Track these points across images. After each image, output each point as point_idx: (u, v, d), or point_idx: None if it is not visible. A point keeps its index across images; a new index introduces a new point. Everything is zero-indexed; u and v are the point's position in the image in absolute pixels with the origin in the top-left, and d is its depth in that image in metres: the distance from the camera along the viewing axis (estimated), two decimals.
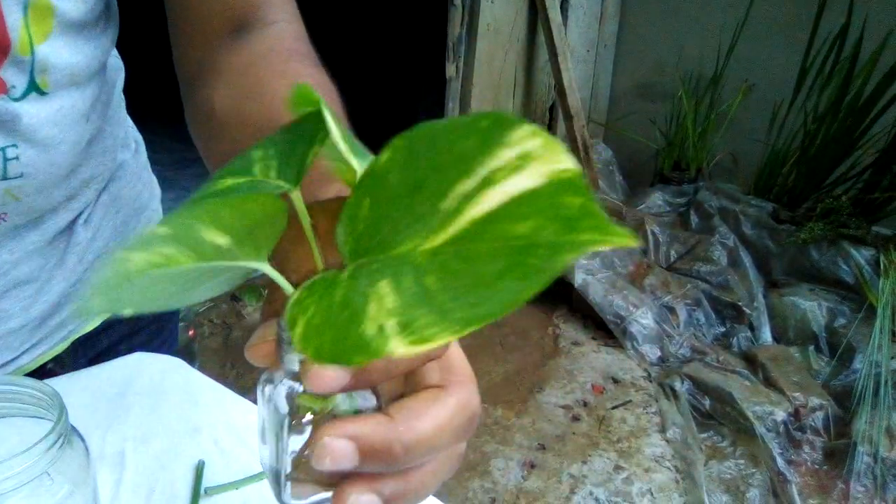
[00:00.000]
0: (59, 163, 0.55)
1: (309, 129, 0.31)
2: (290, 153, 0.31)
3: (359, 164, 0.29)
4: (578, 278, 2.27)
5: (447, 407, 0.29)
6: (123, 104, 0.68)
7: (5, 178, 0.52)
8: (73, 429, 0.40)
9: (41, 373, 0.67)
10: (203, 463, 0.56)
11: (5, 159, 0.51)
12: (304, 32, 0.56)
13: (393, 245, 0.25)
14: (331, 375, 0.27)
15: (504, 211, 0.23)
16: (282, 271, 0.29)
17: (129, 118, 0.71)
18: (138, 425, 0.60)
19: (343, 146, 0.29)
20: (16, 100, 0.50)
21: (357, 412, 0.31)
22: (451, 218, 0.24)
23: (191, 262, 0.25)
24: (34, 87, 0.50)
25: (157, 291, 0.26)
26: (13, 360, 0.64)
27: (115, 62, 0.65)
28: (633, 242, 0.21)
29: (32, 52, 0.48)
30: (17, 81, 0.49)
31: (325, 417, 0.30)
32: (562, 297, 2.39)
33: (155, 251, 0.25)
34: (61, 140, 0.54)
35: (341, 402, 0.31)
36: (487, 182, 0.24)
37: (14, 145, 0.51)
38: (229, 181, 0.30)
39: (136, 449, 0.57)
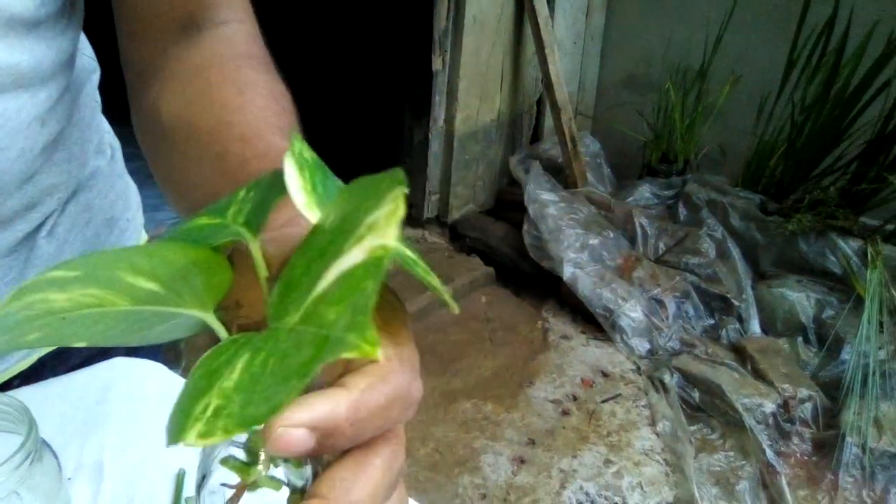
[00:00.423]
0: (5, 170, 0.52)
1: (282, 183, 0.30)
2: (264, 200, 0.31)
3: (313, 215, 0.29)
4: (567, 272, 2.26)
5: (376, 468, 0.27)
6: (98, 108, 0.65)
7: None
8: (45, 443, 0.39)
9: (6, 388, 0.64)
10: (184, 472, 0.55)
11: None
12: (257, 32, 0.54)
13: (281, 317, 0.24)
14: (293, 437, 0.24)
15: (326, 293, 0.23)
16: (245, 321, 0.28)
17: (105, 122, 0.67)
18: (117, 434, 0.58)
19: (301, 199, 0.28)
20: None
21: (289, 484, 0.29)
22: (302, 298, 0.23)
23: (127, 304, 0.25)
24: None
25: (102, 329, 0.25)
26: None
27: (87, 63, 0.62)
28: (376, 356, 0.21)
29: None
30: None
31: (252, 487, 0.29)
32: (550, 290, 2.39)
33: (77, 292, 0.24)
34: (6, 146, 0.50)
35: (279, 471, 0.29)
36: (337, 253, 0.23)
37: None
38: (202, 220, 0.31)
39: (114, 458, 0.56)
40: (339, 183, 0.32)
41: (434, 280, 0.26)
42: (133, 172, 0.72)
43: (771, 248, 2.36)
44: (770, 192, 2.47)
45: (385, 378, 0.27)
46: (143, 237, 0.74)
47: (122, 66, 0.54)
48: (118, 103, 0.80)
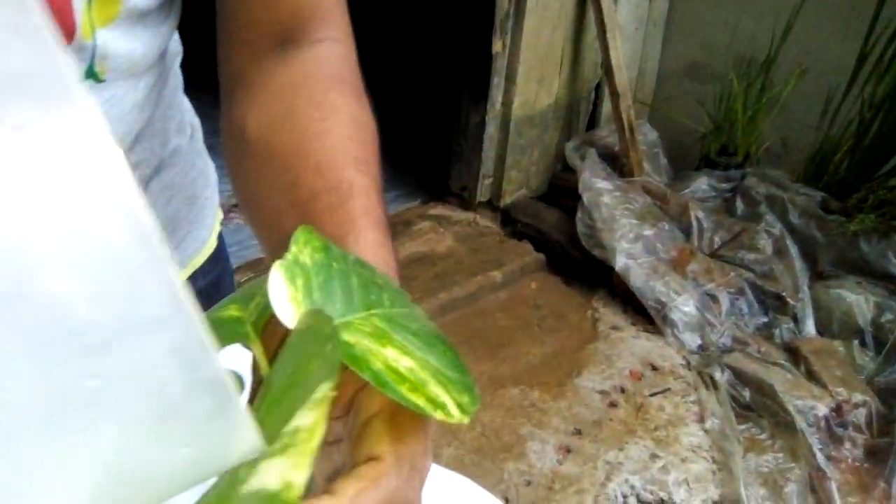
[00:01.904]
0: None
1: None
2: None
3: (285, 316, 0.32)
4: (620, 262, 2.24)
5: None
6: (181, 87, 0.66)
7: None
8: None
9: None
10: None
11: None
12: (352, 53, 0.54)
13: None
14: None
15: None
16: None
17: (186, 101, 0.68)
18: None
19: (288, 312, 0.31)
20: None
21: None
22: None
23: None
24: (91, 75, 0.48)
25: None
26: None
27: (173, 45, 0.63)
28: None
29: (94, 37, 0.46)
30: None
31: None
32: (601, 279, 2.37)
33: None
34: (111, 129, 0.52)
35: None
36: (259, 460, 0.24)
37: None
38: (231, 312, 0.35)
39: None
40: (354, 280, 0.34)
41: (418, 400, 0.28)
42: (209, 149, 0.73)
43: (830, 248, 2.31)
44: (832, 190, 2.41)
45: (377, 482, 0.27)
46: (220, 215, 0.75)
47: (217, 63, 0.54)
48: (199, 81, 0.81)
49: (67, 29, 0.45)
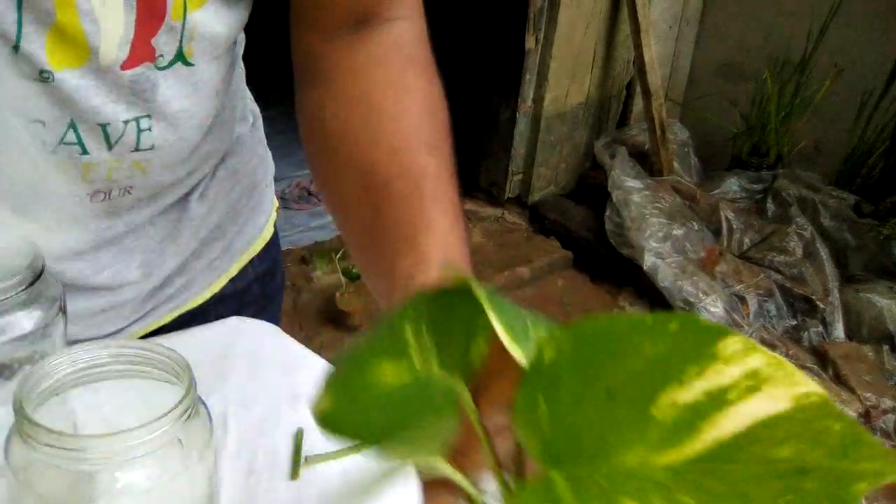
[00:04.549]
0: (187, 137, 0.55)
1: (465, 314, 0.29)
2: (448, 341, 0.30)
3: (521, 353, 0.28)
4: (648, 261, 2.23)
5: None
6: (243, 76, 0.68)
7: (137, 149, 0.52)
8: (199, 397, 0.41)
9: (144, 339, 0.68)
10: (303, 431, 0.57)
11: (139, 130, 0.51)
12: (424, 32, 0.54)
13: (602, 454, 0.24)
14: None
15: (753, 433, 0.23)
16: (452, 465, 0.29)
17: (248, 90, 0.70)
18: (238, 390, 0.61)
19: (506, 338, 0.28)
20: (161, 69, 0.49)
21: None
22: (683, 433, 0.23)
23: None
24: (181, 57, 0.49)
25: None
26: (123, 328, 0.65)
27: (240, 34, 0.64)
28: None
29: (185, 19, 0.47)
30: (167, 50, 0.48)
31: None
32: (628, 278, 2.36)
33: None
34: (193, 114, 0.53)
35: None
36: (719, 400, 0.23)
37: (148, 116, 0.51)
38: (388, 372, 0.29)
39: (237, 414, 0.58)
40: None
41: None
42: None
43: (862, 252, 2.28)
44: (865, 193, 2.38)
45: None
46: (276, 202, 0.77)
47: (291, 47, 0.55)
48: (258, 70, 0.82)
49: (158, 11, 0.46)
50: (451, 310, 0.30)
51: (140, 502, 0.39)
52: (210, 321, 0.68)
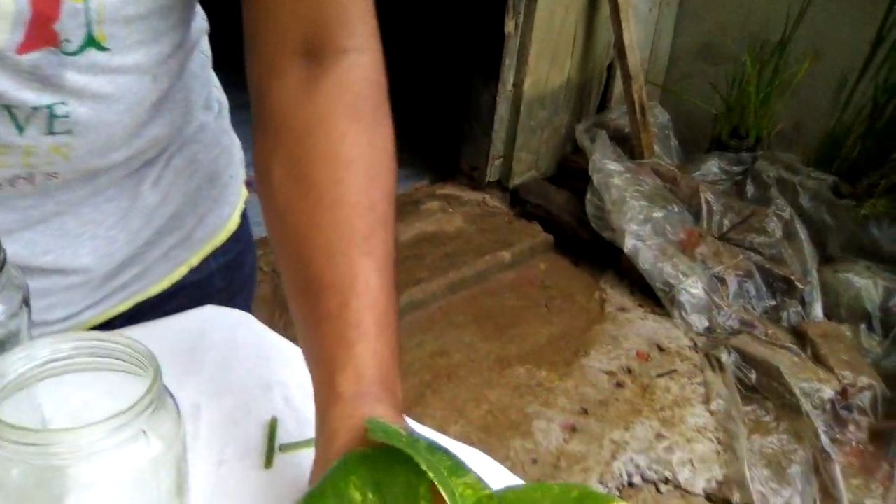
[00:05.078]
0: (113, 122, 0.53)
1: (405, 478, 0.33)
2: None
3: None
4: (629, 244, 2.24)
5: None
6: (209, 63, 0.66)
7: (51, 132, 0.50)
8: (165, 388, 0.41)
9: (108, 327, 0.67)
10: (276, 420, 0.57)
11: (51, 115, 0.49)
12: (377, 61, 0.53)
13: None
14: None
15: None
16: None
17: (214, 78, 0.68)
18: (211, 379, 0.61)
19: (443, 491, 0.31)
20: (70, 54, 0.47)
21: None
22: None
23: None
24: (92, 43, 0.47)
25: None
26: (75, 314, 0.64)
27: (200, 22, 0.63)
28: None
29: (87, 1, 0.45)
30: (74, 35, 0.47)
31: None
32: (609, 261, 2.37)
33: None
34: (118, 99, 0.52)
35: None
36: None
37: (63, 102, 0.49)
38: None
39: (209, 403, 0.58)
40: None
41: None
42: (236, 125, 0.73)
43: (840, 232, 2.30)
44: (844, 174, 2.40)
45: None
46: (244, 193, 0.76)
47: (245, 66, 0.54)
48: (228, 58, 0.81)
49: None
50: (390, 471, 0.34)
51: (109, 495, 0.39)
52: (169, 312, 0.67)
